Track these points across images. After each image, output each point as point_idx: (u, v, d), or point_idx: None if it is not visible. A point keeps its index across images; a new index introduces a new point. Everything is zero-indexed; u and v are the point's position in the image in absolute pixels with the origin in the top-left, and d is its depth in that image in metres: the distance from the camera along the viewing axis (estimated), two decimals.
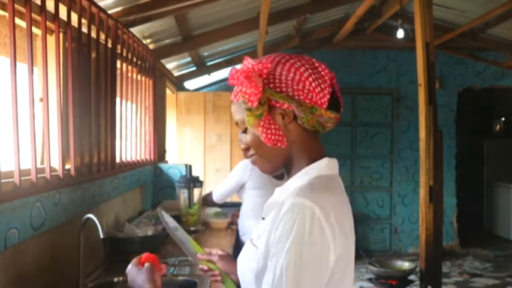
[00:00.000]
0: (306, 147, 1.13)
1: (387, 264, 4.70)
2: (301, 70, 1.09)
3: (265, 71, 1.08)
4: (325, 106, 1.09)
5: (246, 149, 1.16)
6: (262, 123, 1.09)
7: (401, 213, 6.96)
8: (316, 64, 1.12)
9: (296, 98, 1.08)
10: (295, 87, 1.08)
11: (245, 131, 1.14)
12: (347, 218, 1.08)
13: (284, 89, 1.08)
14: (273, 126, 1.09)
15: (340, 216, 1.03)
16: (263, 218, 1.15)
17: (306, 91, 1.08)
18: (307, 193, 1.02)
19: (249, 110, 1.07)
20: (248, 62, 1.09)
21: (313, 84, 1.08)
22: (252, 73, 1.07)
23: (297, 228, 0.97)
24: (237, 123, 1.16)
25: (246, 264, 1.10)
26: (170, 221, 1.51)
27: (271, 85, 1.08)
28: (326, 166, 1.12)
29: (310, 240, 0.97)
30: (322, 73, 1.11)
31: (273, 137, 1.09)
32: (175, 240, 1.47)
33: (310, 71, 1.09)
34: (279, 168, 1.15)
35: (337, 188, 1.11)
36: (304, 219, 0.98)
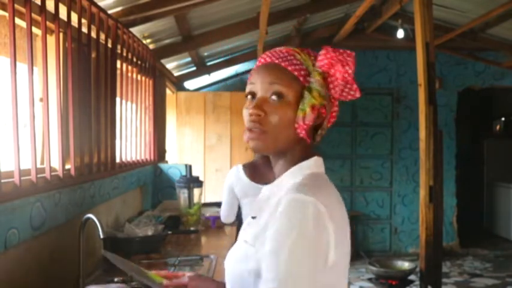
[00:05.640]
0: (307, 145, 1.09)
1: (387, 264, 4.70)
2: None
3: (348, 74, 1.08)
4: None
5: (261, 116, 1.04)
6: (316, 108, 1.05)
7: (401, 213, 6.96)
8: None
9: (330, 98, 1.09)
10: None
11: (280, 96, 1.05)
12: (346, 218, 1.04)
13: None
14: (314, 117, 1.05)
15: (340, 215, 1.01)
16: (253, 217, 1.10)
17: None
18: (307, 190, 0.99)
19: (319, 92, 1.05)
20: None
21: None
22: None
23: (300, 224, 0.93)
24: (272, 83, 1.05)
25: (242, 266, 1.02)
26: (119, 260, 1.36)
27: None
28: (319, 164, 1.10)
29: (313, 237, 0.94)
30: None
31: (309, 125, 1.05)
32: (134, 275, 1.30)
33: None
34: (276, 153, 1.09)
35: (332, 187, 1.07)
36: (307, 215, 0.94)
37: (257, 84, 1.07)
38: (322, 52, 1.07)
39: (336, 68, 1.05)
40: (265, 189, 1.11)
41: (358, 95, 1.07)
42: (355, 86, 1.07)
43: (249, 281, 1.00)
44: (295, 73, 1.05)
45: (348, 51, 1.06)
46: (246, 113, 1.08)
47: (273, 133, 1.04)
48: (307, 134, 1.06)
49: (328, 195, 1.02)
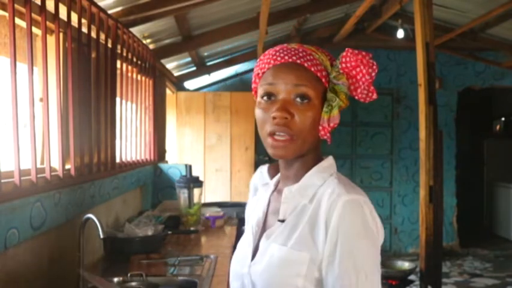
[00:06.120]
0: (320, 145, 1.11)
1: (387, 264, 4.69)
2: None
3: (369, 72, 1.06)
4: None
5: (287, 119, 1.01)
6: (340, 110, 1.05)
7: (401, 213, 6.96)
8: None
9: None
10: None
11: (306, 99, 1.02)
12: None
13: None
14: (339, 118, 1.05)
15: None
16: (281, 220, 1.07)
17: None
18: (354, 190, 1.03)
19: (345, 94, 1.05)
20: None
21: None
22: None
23: (364, 226, 0.98)
24: (298, 85, 1.02)
25: (287, 272, 1.00)
26: (97, 280, 1.42)
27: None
28: (334, 163, 1.12)
29: (375, 233, 1.00)
30: None
31: (334, 127, 1.05)
32: None
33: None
34: (300, 156, 1.06)
35: None
36: (366, 215, 1.00)
37: (278, 85, 1.03)
38: (347, 54, 1.05)
39: (359, 70, 1.04)
40: (289, 190, 1.08)
41: (375, 96, 1.07)
42: (372, 87, 1.06)
43: (296, 285, 0.99)
44: (318, 74, 1.04)
45: (364, 53, 1.05)
46: (262, 114, 1.04)
47: (299, 137, 1.02)
48: (329, 137, 1.05)
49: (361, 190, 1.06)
